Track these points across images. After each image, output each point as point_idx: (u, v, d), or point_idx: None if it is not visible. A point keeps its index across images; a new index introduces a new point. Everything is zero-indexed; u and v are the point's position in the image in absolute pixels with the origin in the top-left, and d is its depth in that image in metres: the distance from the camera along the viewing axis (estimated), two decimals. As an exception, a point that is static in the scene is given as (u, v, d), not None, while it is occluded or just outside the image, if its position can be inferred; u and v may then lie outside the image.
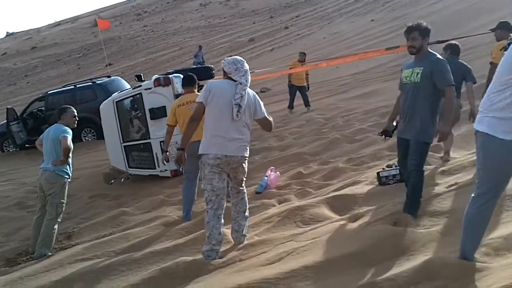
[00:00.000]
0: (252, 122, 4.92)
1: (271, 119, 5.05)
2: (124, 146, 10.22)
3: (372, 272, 3.56)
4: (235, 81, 4.72)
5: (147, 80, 10.20)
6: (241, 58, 4.91)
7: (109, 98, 10.87)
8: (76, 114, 6.95)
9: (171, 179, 9.51)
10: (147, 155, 9.79)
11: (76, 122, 6.96)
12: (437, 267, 3.15)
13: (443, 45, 6.92)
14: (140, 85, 9.82)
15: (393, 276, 3.27)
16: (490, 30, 6.90)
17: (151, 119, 9.42)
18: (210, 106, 4.70)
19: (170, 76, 9.53)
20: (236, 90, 4.66)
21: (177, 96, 9.26)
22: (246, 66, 4.84)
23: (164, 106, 9.24)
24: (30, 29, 70.30)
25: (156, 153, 9.48)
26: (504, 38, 6.59)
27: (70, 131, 6.66)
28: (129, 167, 10.30)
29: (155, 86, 9.34)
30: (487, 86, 6.28)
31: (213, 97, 4.67)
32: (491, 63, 6.48)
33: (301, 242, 4.57)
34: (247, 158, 4.91)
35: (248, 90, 4.82)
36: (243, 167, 4.89)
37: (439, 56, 4.79)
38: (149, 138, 9.55)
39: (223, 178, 4.78)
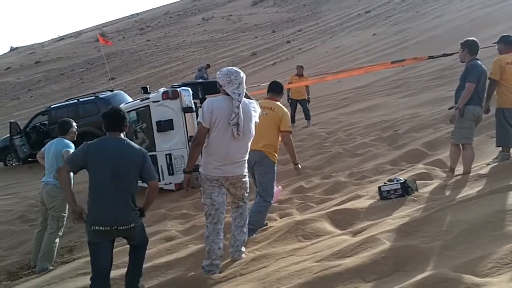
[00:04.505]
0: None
1: None
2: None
3: (371, 287, 3.54)
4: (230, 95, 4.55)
5: (153, 92, 10.22)
6: (236, 69, 4.69)
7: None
8: (76, 127, 7.00)
9: (174, 192, 9.50)
10: (152, 168, 9.78)
11: (76, 135, 7.00)
12: (435, 283, 3.12)
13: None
14: (148, 97, 9.85)
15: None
16: (493, 43, 6.95)
17: (158, 131, 9.43)
18: (211, 127, 4.57)
19: (178, 89, 9.56)
20: (233, 108, 4.50)
21: (184, 109, 9.27)
22: (242, 77, 4.62)
23: (171, 119, 9.27)
24: (34, 44, 70.68)
25: (161, 166, 9.47)
26: (504, 52, 6.62)
27: (72, 145, 6.68)
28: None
29: (163, 99, 9.37)
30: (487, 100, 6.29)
31: (216, 119, 4.52)
32: (489, 78, 6.39)
33: (302, 257, 4.56)
34: (246, 174, 4.89)
35: (245, 100, 4.68)
36: (242, 182, 4.84)
37: None
38: (155, 150, 9.52)
39: (223, 192, 4.75)
